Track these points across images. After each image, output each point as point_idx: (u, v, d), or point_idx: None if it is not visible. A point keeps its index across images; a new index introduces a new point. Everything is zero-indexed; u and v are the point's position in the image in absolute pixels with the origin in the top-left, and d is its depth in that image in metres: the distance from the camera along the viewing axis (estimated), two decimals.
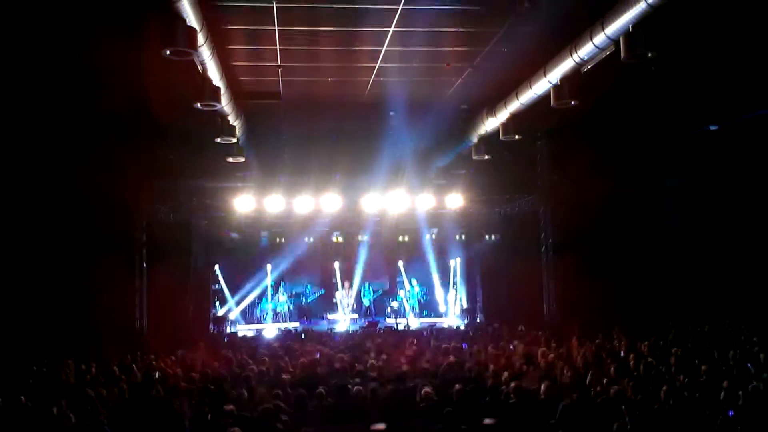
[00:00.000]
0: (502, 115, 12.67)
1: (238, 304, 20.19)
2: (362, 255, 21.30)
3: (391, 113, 14.80)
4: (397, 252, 21.92)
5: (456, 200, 18.17)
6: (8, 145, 13.15)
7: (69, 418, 6.75)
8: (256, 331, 17.66)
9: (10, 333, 13.04)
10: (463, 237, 21.26)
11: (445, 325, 18.57)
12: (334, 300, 20.60)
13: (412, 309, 20.55)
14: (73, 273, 14.19)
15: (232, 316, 19.75)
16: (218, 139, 12.68)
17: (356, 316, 20.06)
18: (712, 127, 13.71)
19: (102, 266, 14.70)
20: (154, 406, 7.34)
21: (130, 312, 15.49)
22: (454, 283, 21.06)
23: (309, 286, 21.22)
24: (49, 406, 6.92)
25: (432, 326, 17.66)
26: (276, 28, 9.79)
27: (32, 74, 11.01)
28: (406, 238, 21.65)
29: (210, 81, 10.07)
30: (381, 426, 6.32)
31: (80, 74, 11.02)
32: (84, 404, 7.23)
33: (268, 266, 20.24)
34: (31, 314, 13.98)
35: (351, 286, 20.52)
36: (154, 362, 10.63)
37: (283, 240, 21.09)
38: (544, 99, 11.07)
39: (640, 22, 7.98)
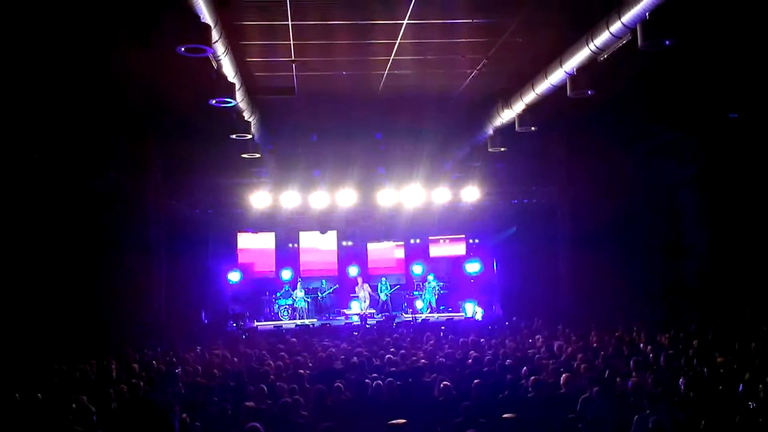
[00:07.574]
0: (518, 107, 12.57)
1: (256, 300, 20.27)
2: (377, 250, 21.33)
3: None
4: (413, 246, 21.93)
5: (472, 193, 18.08)
6: (25, 144, 13.26)
7: (90, 414, 6.81)
8: (275, 327, 17.71)
9: (29, 332, 13.17)
10: (479, 230, 21.17)
11: (463, 319, 18.49)
12: (352, 295, 20.60)
13: (430, 303, 20.50)
14: (91, 271, 14.28)
15: (250, 312, 19.83)
16: (233, 136, 12.69)
17: (373, 311, 20.05)
18: (732, 116, 13.48)
19: (121, 264, 14.81)
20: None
21: (150, 309, 15.59)
22: (472, 278, 20.97)
23: (324, 282, 21.23)
24: (70, 403, 6.98)
25: (450, 320, 17.60)
26: (290, 22, 9.79)
27: (47, 72, 11.07)
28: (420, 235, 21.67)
29: (225, 77, 10.08)
30: (400, 421, 6.30)
31: (95, 72, 11.09)
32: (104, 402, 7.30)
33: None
34: (50, 313, 14.10)
35: (368, 281, 20.52)
36: (174, 359, 10.69)
37: (299, 235, 21.20)
38: (560, 89, 10.97)
39: (657, 10, 7.87)
